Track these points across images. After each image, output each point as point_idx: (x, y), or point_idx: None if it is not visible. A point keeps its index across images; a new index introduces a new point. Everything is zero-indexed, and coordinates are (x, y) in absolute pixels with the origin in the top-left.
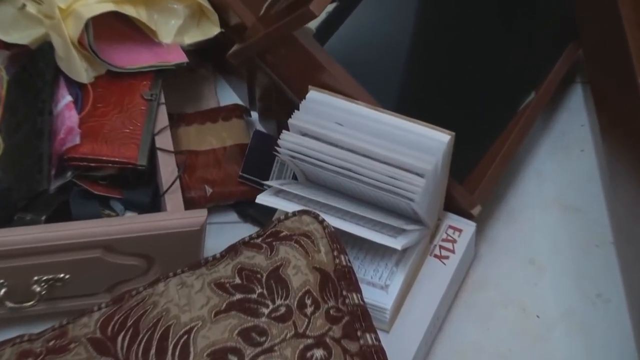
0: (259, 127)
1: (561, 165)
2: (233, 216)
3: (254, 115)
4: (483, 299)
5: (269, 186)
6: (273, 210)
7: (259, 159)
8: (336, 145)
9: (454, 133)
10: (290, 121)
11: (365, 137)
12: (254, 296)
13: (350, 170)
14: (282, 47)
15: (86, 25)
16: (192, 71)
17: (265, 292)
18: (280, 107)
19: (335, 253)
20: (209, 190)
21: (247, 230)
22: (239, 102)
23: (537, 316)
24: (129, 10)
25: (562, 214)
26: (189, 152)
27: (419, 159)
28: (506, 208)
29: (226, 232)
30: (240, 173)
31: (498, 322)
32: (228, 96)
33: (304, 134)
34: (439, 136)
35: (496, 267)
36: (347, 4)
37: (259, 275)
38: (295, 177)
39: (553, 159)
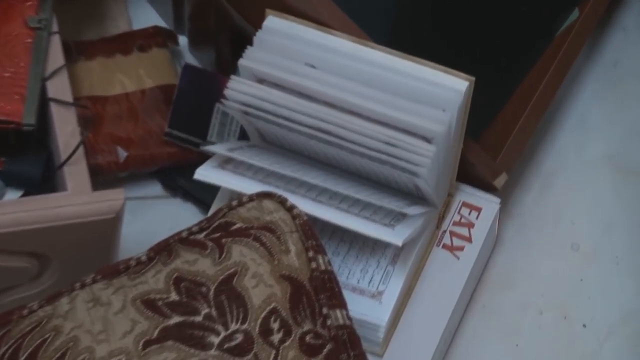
0: (190, 59)
1: (614, 111)
2: (157, 188)
3: (183, 41)
4: (509, 301)
5: (210, 152)
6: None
7: (192, 106)
8: (307, 97)
9: (473, 78)
10: (241, 62)
11: (348, 86)
12: (199, 319)
13: (327, 132)
14: None
15: None
16: None
17: (214, 312)
18: (221, 33)
19: (311, 253)
20: (122, 153)
21: (177, 208)
22: (161, 23)
23: (584, 325)
24: None
25: (616, 179)
26: (93, 99)
27: (426, 117)
28: (539, 174)
29: (148, 210)
30: (166, 128)
31: (530, 335)
32: (145, 14)
33: (261, 80)
34: (453, 82)
35: (526, 257)
36: None
37: (204, 289)
38: (244, 134)
39: (602, 102)
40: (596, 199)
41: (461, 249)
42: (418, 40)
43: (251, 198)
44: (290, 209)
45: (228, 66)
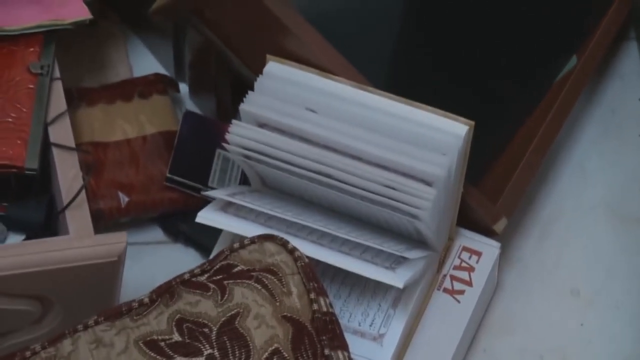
0: (191, 105)
1: (613, 157)
2: (158, 233)
3: (183, 88)
4: (509, 346)
5: (212, 197)
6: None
7: (193, 152)
8: (308, 141)
9: (473, 122)
10: (242, 106)
11: (349, 130)
12: None
13: (328, 176)
14: None
15: None
16: (92, 24)
17: (216, 353)
18: (222, 80)
19: (313, 295)
20: (124, 198)
21: (178, 253)
22: (161, 70)
23: None
24: None
25: (615, 226)
26: (94, 145)
27: (427, 160)
28: (538, 220)
29: (149, 256)
30: (167, 174)
31: None
32: (145, 62)
33: (262, 125)
34: (453, 127)
35: (526, 302)
36: None
37: (206, 330)
38: (245, 179)
39: (601, 149)
40: (595, 244)
41: (462, 292)
42: (417, 86)
43: (253, 240)
44: (291, 251)
45: (228, 113)
